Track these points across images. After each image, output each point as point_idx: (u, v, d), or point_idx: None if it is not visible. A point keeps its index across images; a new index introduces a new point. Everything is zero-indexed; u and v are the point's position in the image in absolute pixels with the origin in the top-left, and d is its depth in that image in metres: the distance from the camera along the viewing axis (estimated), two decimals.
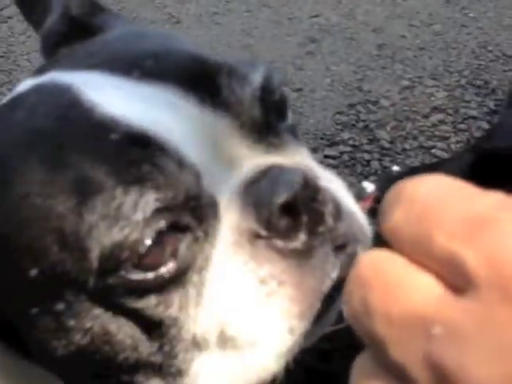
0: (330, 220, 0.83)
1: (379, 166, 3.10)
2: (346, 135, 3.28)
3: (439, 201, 0.47)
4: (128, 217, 0.76)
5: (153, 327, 0.81)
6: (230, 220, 0.82)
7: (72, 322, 0.81)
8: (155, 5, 4.43)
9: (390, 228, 0.48)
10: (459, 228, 0.45)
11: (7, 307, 0.86)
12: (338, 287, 0.84)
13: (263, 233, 0.80)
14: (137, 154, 0.78)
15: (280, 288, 0.80)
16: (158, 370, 0.84)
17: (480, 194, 0.47)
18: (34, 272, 0.80)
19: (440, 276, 0.45)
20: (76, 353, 0.82)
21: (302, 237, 0.81)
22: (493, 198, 0.46)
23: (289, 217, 0.81)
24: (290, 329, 0.81)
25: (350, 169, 3.10)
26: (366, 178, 3.05)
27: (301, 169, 0.87)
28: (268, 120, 0.90)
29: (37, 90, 0.90)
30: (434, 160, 3.09)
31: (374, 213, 1.42)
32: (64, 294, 0.80)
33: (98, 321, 0.81)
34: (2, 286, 0.84)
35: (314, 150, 3.17)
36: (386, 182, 1.60)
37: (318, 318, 0.83)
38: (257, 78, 0.90)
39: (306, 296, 0.81)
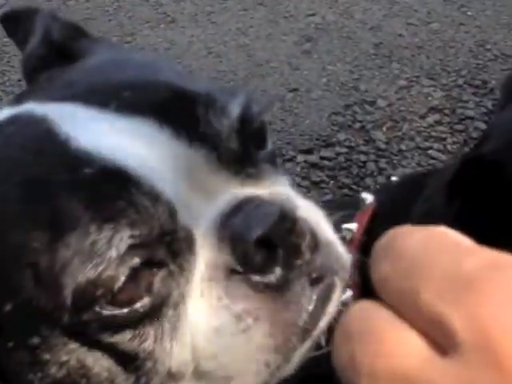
0: (306, 252, 0.83)
1: (375, 168, 3.08)
2: (342, 136, 3.26)
3: (427, 257, 0.46)
4: (102, 254, 0.75)
5: (128, 360, 0.80)
6: (206, 255, 0.81)
7: (47, 356, 0.80)
8: (150, 4, 4.41)
9: (378, 279, 0.47)
10: (445, 287, 0.44)
11: None
12: (314, 319, 0.84)
13: (239, 268, 0.80)
14: (111, 189, 0.77)
15: (255, 323, 0.80)
16: None
17: (470, 250, 0.47)
18: (8, 307, 0.80)
19: (426, 333, 0.44)
20: None
21: (278, 271, 0.81)
22: (483, 256, 0.45)
23: (265, 251, 0.80)
24: (265, 363, 0.81)
25: (345, 170, 3.09)
26: (362, 179, 3.03)
27: (278, 200, 0.86)
28: (246, 151, 0.89)
29: (13, 120, 0.89)
30: (431, 161, 3.07)
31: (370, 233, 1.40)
32: (39, 329, 0.80)
33: (74, 355, 0.80)
34: None
35: (309, 152, 3.16)
36: (386, 193, 1.58)
37: (294, 351, 0.83)
38: (235, 108, 0.88)
39: (281, 330, 0.81)
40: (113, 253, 0.75)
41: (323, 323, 0.87)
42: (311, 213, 0.89)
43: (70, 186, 0.78)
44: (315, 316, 0.84)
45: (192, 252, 0.81)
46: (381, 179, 2.99)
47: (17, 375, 0.85)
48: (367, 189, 2.91)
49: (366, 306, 0.48)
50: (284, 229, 0.81)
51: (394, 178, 1.74)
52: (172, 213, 0.79)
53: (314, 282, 0.84)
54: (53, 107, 0.87)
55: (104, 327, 0.78)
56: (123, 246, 0.75)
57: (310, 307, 0.83)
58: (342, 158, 3.14)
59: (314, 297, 0.83)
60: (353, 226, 1.47)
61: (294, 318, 0.82)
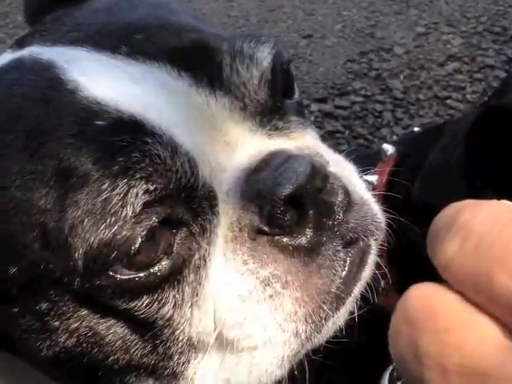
0: (339, 212, 0.77)
1: (392, 117, 3.01)
2: (357, 84, 3.18)
3: (499, 234, 0.40)
4: (116, 213, 0.68)
5: (145, 328, 0.75)
6: (229, 214, 0.75)
7: (56, 323, 0.74)
8: None
9: (442, 260, 0.42)
10: None
11: None
12: (348, 285, 0.78)
13: (265, 229, 0.74)
14: (125, 141, 0.70)
15: (284, 289, 0.74)
16: (152, 371, 0.78)
17: None
18: (13, 270, 0.73)
19: (502, 320, 0.39)
20: (61, 354, 0.76)
21: (309, 233, 0.75)
22: None
23: (294, 210, 0.74)
24: (294, 332, 0.75)
25: (361, 120, 3.01)
26: (378, 129, 2.96)
27: (308, 155, 0.80)
28: (273, 102, 0.82)
29: (15, 66, 0.81)
30: (450, 111, 2.99)
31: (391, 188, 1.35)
32: (47, 294, 0.73)
33: (85, 322, 0.74)
34: None
35: (323, 100, 3.08)
36: (407, 144, 1.52)
37: (326, 320, 0.77)
38: (266, 57, 0.81)
39: (312, 297, 0.75)
40: (128, 211, 0.68)
41: (358, 289, 0.81)
42: (343, 169, 0.83)
43: (80, 139, 0.70)
44: (349, 281, 0.78)
45: (214, 211, 0.75)
46: (397, 129, 2.92)
47: (23, 343, 0.79)
48: (383, 139, 2.84)
49: (429, 289, 0.42)
50: (315, 186, 0.75)
51: (415, 129, 1.67)
52: (192, 166, 0.72)
53: (348, 244, 0.78)
54: (59, 51, 0.79)
55: (119, 293, 0.72)
56: (139, 204, 0.68)
57: (344, 272, 0.77)
58: (357, 107, 3.06)
59: (348, 260, 0.77)
60: (373, 178, 1.41)
61: (326, 284, 0.76)
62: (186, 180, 0.72)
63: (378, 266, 0.86)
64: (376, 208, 0.83)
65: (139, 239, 0.69)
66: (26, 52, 0.82)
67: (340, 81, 3.20)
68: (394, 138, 2.80)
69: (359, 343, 1.38)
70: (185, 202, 0.73)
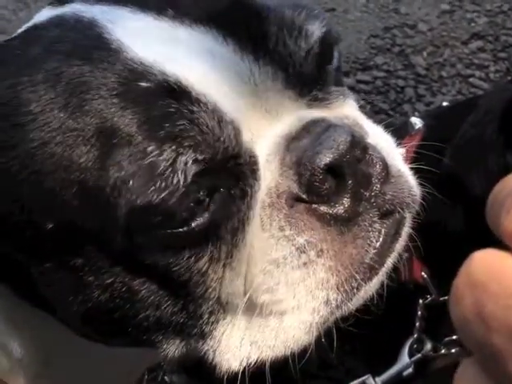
0: (377, 184, 0.77)
1: (414, 94, 2.99)
2: (380, 60, 3.16)
3: None
4: (167, 178, 0.68)
5: (179, 284, 0.75)
6: (268, 180, 0.75)
7: (91, 278, 0.75)
8: None
9: (510, 228, 0.41)
10: None
11: (20, 253, 0.79)
12: (382, 256, 0.78)
13: (303, 196, 0.74)
14: (171, 106, 0.69)
15: (318, 258, 0.75)
16: (180, 330, 0.79)
17: None
18: (49, 225, 0.73)
19: None
20: (93, 309, 0.77)
21: (346, 202, 0.75)
22: None
23: (332, 179, 0.74)
24: (325, 300, 0.76)
25: (383, 95, 3.00)
26: (400, 105, 2.95)
27: (348, 125, 0.79)
28: (315, 73, 0.81)
29: (56, 23, 0.80)
30: (472, 89, 2.97)
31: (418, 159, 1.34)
32: (83, 250, 0.74)
33: (120, 277, 0.75)
34: (16, 231, 0.76)
35: (345, 74, 3.06)
36: (435, 117, 1.51)
37: (358, 289, 0.77)
38: (315, 32, 0.80)
39: (345, 267, 0.76)
40: (180, 178, 0.68)
41: (390, 261, 0.81)
42: (382, 140, 0.83)
43: (124, 99, 0.70)
44: (383, 253, 0.78)
45: (254, 176, 0.75)
46: (419, 106, 2.91)
47: (54, 298, 0.80)
48: (404, 115, 2.83)
49: (494, 255, 0.42)
50: (354, 156, 0.75)
51: (444, 103, 1.67)
52: (237, 135, 0.72)
53: (384, 215, 0.78)
54: (102, 10, 0.78)
55: (160, 248, 0.72)
56: (190, 172, 0.69)
57: (378, 243, 0.77)
58: (379, 83, 3.05)
59: (383, 232, 0.77)
60: (401, 150, 1.41)
61: (360, 254, 0.76)
62: (232, 149, 0.72)
63: (410, 237, 0.86)
64: (413, 181, 0.83)
65: (184, 213, 0.70)
66: (67, 9, 0.81)
67: (363, 55, 3.19)
68: (416, 114, 2.78)
69: (382, 314, 1.39)
70: (229, 168, 0.73)
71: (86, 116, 0.70)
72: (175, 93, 0.70)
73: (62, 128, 0.71)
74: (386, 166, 0.78)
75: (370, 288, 0.80)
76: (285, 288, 0.75)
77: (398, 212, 0.79)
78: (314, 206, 0.75)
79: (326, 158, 0.73)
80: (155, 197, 0.68)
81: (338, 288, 0.76)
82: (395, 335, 1.42)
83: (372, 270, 0.78)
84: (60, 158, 0.71)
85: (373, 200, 0.77)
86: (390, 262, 0.81)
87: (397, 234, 0.81)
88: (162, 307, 0.77)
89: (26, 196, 0.74)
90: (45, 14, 0.83)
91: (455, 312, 0.42)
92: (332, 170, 0.74)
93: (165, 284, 0.75)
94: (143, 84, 0.70)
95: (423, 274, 1.36)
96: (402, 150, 1.41)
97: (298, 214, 0.75)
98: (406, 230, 0.83)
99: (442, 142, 1.39)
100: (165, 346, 0.81)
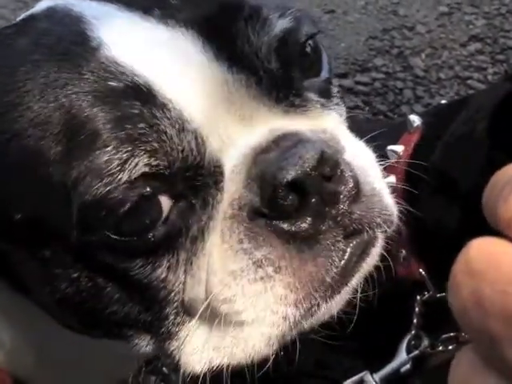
0: (344, 202, 0.76)
1: (412, 95, 3.00)
2: (378, 61, 3.17)
3: None
4: (113, 175, 0.69)
5: (141, 287, 0.76)
6: (232, 191, 0.75)
7: (58, 271, 0.77)
8: None
9: (507, 216, 0.41)
10: None
11: (3, 242, 0.81)
12: (345, 276, 0.78)
13: (265, 211, 0.74)
14: (135, 108, 0.71)
15: (276, 274, 0.74)
16: (148, 327, 0.80)
17: None
18: (17, 216, 0.75)
19: None
20: (63, 301, 0.79)
21: (308, 220, 0.74)
22: None
23: (295, 196, 0.74)
24: (284, 316, 0.76)
25: (381, 97, 3.01)
26: (398, 106, 2.96)
27: (321, 140, 0.78)
28: (288, 76, 0.80)
29: (48, 14, 0.82)
30: (470, 91, 2.98)
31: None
32: (49, 242, 0.76)
33: (84, 273, 0.76)
34: None
35: (344, 76, 3.07)
36: (434, 116, 1.52)
37: (318, 307, 0.77)
38: (279, 25, 0.79)
39: (304, 284, 0.75)
40: (124, 176, 0.69)
41: (356, 280, 0.81)
42: (358, 157, 0.81)
43: (93, 98, 0.71)
44: (347, 272, 0.78)
45: (217, 187, 0.75)
46: (417, 107, 2.91)
47: (29, 287, 0.83)
48: (403, 116, 2.83)
49: (492, 242, 0.42)
50: (322, 174, 0.74)
51: (443, 101, 1.67)
52: (199, 144, 0.73)
53: (351, 234, 0.77)
54: (90, 5, 0.80)
55: (113, 252, 0.74)
56: (136, 173, 0.70)
57: (342, 262, 0.76)
58: (378, 84, 3.05)
59: (348, 251, 0.77)
60: (399, 147, 1.42)
61: (320, 272, 0.76)
62: (192, 158, 0.73)
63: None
64: (388, 200, 0.82)
65: (128, 204, 0.70)
66: (61, 2, 0.83)
67: (361, 57, 3.19)
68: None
69: (379, 311, 1.39)
70: (189, 178, 0.73)
71: (56, 111, 0.72)
72: (142, 95, 0.71)
73: (33, 121, 0.73)
74: (357, 184, 0.77)
75: (332, 306, 0.79)
76: (242, 300, 0.75)
77: (367, 231, 0.78)
78: (275, 222, 0.74)
79: (288, 175, 0.73)
80: (100, 191, 0.69)
81: (296, 305, 0.76)
82: (392, 332, 1.42)
83: (333, 289, 0.77)
84: (30, 151, 0.73)
85: (339, 218, 0.76)
86: (354, 282, 0.80)
87: (364, 253, 0.80)
88: (129, 305, 0.78)
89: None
90: (44, 4, 0.85)
91: (454, 300, 0.43)
92: (295, 186, 0.73)
93: (128, 284, 0.77)
94: (113, 84, 0.72)
95: (421, 270, 1.37)
96: (401, 147, 1.42)
97: (258, 228, 0.74)
98: (377, 250, 0.83)
99: (436, 138, 1.39)
100: (136, 341, 0.82)
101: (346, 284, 0.79)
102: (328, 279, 0.76)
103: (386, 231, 0.82)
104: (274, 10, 0.80)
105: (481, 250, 0.42)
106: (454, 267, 0.43)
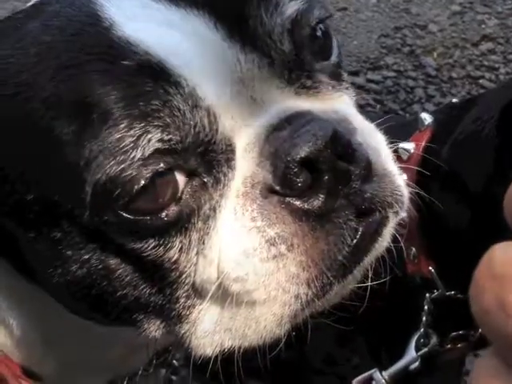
0: (356, 181, 0.76)
1: (424, 94, 3.00)
2: (390, 60, 3.16)
3: None
4: (126, 152, 0.69)
5: (153, 268, 0.76)
6: (245, 169, 0.75)
7: (69, 252, 0.77)
8: None
9: None
10: None
11: (10, 221, 0.81)
12: (357, 255, 0.78)
13: (277, 188, 0.74)
14: (148, 86, 0.71)
15: (289, 252, 0.74)
16: (159, 311, 0.80)
17: None
18: (29, 197, 0.75)
19: None
20: (72, 283, 0.78)
21: (321, 198, 0.74)
22: None
23: (308, 174, 0.73)
24: (296, 294, 0.75)
25: (393, 95, 3.01)
26: (410, 105, 2.95)
27: (333, 119, 0.78)
28: (300, 58, 0.80)
29: None
30: (482, 91, 2.98)
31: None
32: (60, 223, 0.76)
33: (96, 254, 0.76)
34: (2, 198, 0.79)
35: (356, 73, 3.07)
36: (445, 114, 1.52)
37: (330, 286, 0.77)
38: (291, 7, 0.79)
39: (316, 263, 0.75)
40: (138, 153, 0.69)
41: (368, 260, 0.80)
42: (370, 137, 0.81)
43: (105, 77, 0.71)
44: (359, 251, 0.78)
45: (230, 164, 0.75)
46: (429, 106, 2.91)
47: (39, 270, 0.82)
48: (414, 115, 2.83)
49: None
50: (334, 152, 0.74)
51: (454, 100, 1.67)
52: (211, 121, 0.73)
53: (363, 214, 0.77)
54: None
55: (125, 232, 0.74)
56: (149, 149, 0.70)
57: (354, 241, 0.76)
58: (389, 82, 3.05)
59: (360, 230, 0.77)
60: (410, 145, 1.42)
61: (332, 251, 0.75)
62: (204, 134, 0.73)
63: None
64: (399, 181, 0.82)
65: (142, 181, 0.70)
66: None
67: (373, 55, 3.19)
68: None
69: (388, 309, 1.40)
70: (201, 154, 0.74)
71: (69, 91, 0.72)
72: (155, 73, 0.72)
73: (46, 101, 0.73)
74: (369, 164, 0.77)
75: (344, 286, 0.79)
76: (254, 279, 0.75)
77: (379, 211, 0.78)
78: (288, 199, 0.74)
79: (302, 152, 0.72)
80: (114, 169, 0.70)
81: (308, 284, 0.75)
82: (401, 330, 1.43)
83: (345, 268, 0.77)
84: (42, 130, 0.73)
85: (351, 197, 0.76)
86: (367, 262, 0.80)
87: (376, 233, 0.80)
88: (139, 288, 0.78)
89: (10, 166, 0.76)
90: None
91: (476, 304, 0.42)
92: (308, 164, 0.73)
93: (140, 266, 0.76)
94: (126, 62, 0.72)
95: (430, 268, 1.37)
96: (412, 145, 1.42)
97: (271, 206, 0.74)
98: (389, 230, 0.83)
99: (447, 135, 1.40)
100: (146, 326, 0.82)
101: (359, 263, 0.79)
102: (340, 257, 0.76)
103: (397, 212, 0.81)
104: None
105: (504, 254, 0.42)
106: (476, 271, 0.43)
